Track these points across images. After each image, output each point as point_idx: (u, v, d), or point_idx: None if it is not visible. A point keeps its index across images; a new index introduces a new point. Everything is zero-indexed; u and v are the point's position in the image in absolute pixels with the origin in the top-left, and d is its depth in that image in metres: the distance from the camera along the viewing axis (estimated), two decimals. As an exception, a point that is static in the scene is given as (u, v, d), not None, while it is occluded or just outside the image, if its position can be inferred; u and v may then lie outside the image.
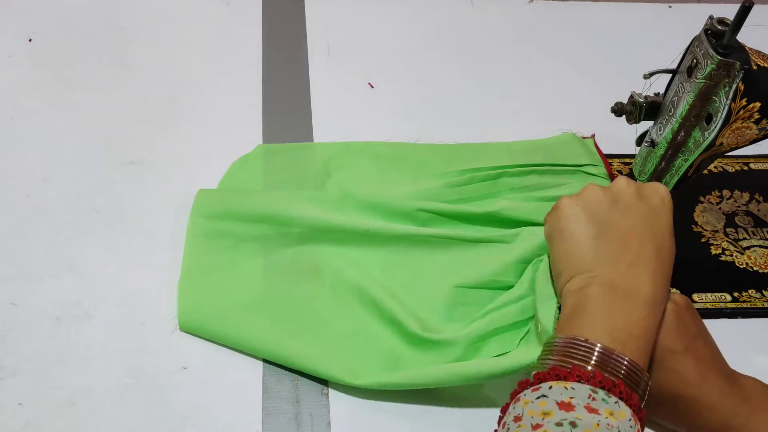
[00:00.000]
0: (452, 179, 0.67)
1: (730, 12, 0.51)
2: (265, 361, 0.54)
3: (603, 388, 0.41)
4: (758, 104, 0.51)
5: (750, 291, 0.62)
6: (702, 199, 0.70)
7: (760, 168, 0.74)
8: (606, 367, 0.42)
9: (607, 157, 0.71)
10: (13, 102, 0.73)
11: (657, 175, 0.59)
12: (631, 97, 0.59)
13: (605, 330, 0.44)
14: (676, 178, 0.58)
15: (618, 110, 0.60)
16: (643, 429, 0.41)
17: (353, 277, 0.58)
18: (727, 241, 0.66)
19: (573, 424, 0.38)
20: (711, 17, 0.52)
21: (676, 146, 0.56)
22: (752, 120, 0.52)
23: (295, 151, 0.71)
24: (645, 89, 0.59)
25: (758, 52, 0.52)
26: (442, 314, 0.57)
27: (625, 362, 0.42)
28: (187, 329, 0.56)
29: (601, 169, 0.70)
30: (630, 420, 0.39)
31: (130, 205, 0.64)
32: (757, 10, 0.50)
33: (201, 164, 0.68)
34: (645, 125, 0.60)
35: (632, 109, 0.59)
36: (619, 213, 0.50)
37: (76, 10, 0.85)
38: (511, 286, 0.58)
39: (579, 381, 0.41)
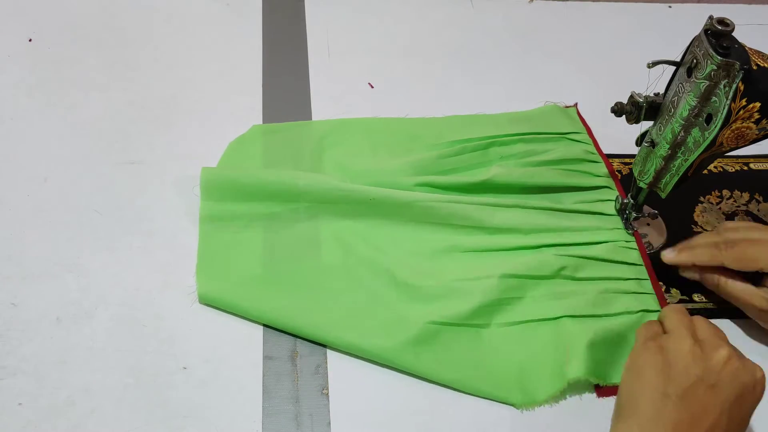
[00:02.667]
0: (444, 150, 0.69)
1: (730, 12, 0.51)
2: (266, 357, 0.55)
3: None
4: (758, 104, 0.51)
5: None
6: (702, 199, 0.70)
7: (760, 168, 0.74)
8: None
9: (607, 157, 0.71)
10: (13, 102, 0.73)
11: (657, 175, 0.59)
12: (631, 97, 0.59)
13: None
14: (676, 178, 0.58)
15: (618, 110, 0.60)
16: None
17: (363, 251, 0.61)
18: (727, 241, 0.66)
19: None
20: (711, 17, 0.52)
21: (676, 146, 0.56)
22: (752, 120, 0.52)
23: (291, 129, 0.73)
24: (645, 89, 0.59)
25: (758, 52, 0.52)
26: (451, 275, 0.60)
27: None
28: (206, 302, 0.57)
29: (584, 136, 0.73)
30: None
31: (130, 205, 0.64)
32: (757, 10, 0.50)
33: (201, 164, 0.68)
34: (645, 125, 0.60)
35: (632, 109, 0.59)
36: (705, 387, 0.45)
37: (76, 10, 0.85)
38: (520, 248, 0.62)
39: None
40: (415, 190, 0.65)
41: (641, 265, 0.62)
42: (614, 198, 0.67)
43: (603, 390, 0.55)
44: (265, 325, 0.57)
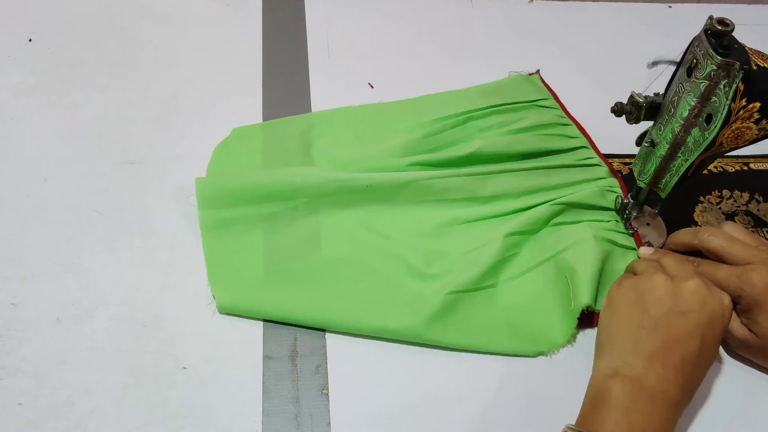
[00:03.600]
0: (427, 129, 0.72)
1: (730, 12, 0.51)
2: (266, 357, 0.55)
3: None
4: (758, 104, 0.51)
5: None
6: (702, 199, 0.70)
7: (760, 168, 0.74)
8: None
9: (607, 157, 0.71)
10: (13, 102, 0.73)
11: (657, 175, 0.59)
12: (631, 97, 0.59)
13: (622, 429, 0.45)
14: (676, 178, 0.58)
15: (618, 110, 0.60)
16: None
17: (368, 239, 0.62)
18: (727, 241, 0.66)
19: None
20: (711, 17, 0.52)
21: (676, 146, 0.56)
22: (752, 120, 0.52)
23: (273, 128, 0.73)
24: (645, 89, 0.59)
25: (758, 52, 0.52)
26: (457, 250, 0.62)
27: None
28: (226, 311, 0.57)
29: (552, 102, 0.77)
30: None
31: (130, 205, 0.64)
32: (757, 10, 0.50)
33: (201, 164, 0.68)
34: (645, 125, 0.60)
35: (632, 109, 0.59)
36: (675, 314, 0.49)
37: (76, 10, 0.86)
38: (515, 211, 0.65)
39: None
40: (407, 170, 0.67)
41: None
42: (593, 156, 0.70)
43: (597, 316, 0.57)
44: (290, 325, 0.57)
